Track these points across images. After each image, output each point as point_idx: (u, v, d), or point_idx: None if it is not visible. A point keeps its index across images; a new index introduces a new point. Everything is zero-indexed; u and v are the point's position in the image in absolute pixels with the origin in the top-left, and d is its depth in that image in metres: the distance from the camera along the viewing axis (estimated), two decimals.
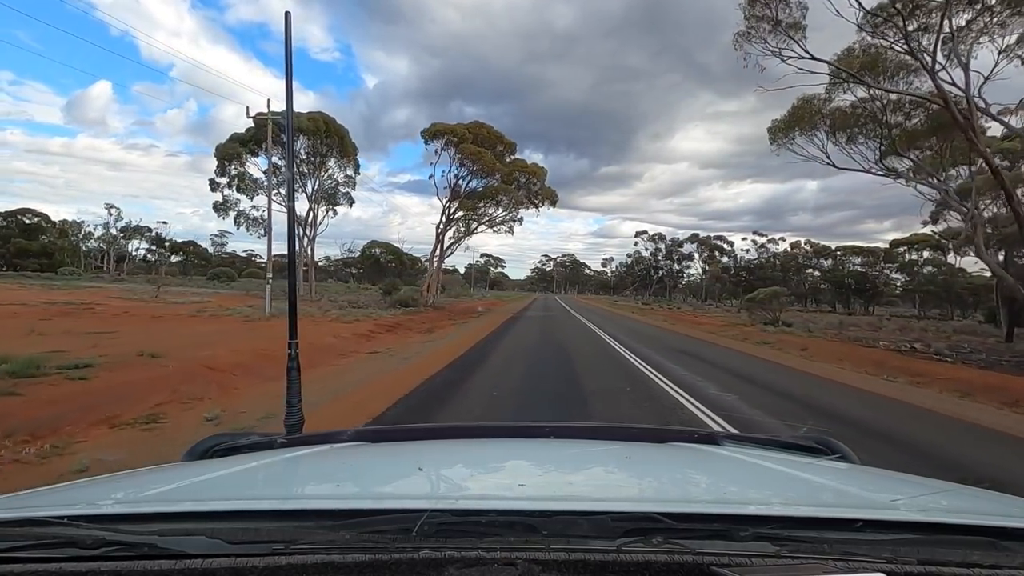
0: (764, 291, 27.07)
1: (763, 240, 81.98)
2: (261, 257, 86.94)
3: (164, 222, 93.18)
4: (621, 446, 1.44)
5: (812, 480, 1.15)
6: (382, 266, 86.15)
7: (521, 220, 34.74)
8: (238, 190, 38.23)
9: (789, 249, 78.88)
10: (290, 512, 0.80)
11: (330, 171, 41.11)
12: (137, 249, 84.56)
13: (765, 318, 26.45)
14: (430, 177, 32.06)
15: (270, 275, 19.98)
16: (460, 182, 32.59)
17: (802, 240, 78.67)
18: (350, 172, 43.17)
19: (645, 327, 25.62)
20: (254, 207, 38.49)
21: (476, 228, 34.33)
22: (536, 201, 31.90)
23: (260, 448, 1.34)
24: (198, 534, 0.67)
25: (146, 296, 29.46)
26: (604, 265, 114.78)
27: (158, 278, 33.36)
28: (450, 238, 33.95)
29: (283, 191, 42.19)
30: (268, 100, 21.21)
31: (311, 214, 40.22)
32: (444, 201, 32.71)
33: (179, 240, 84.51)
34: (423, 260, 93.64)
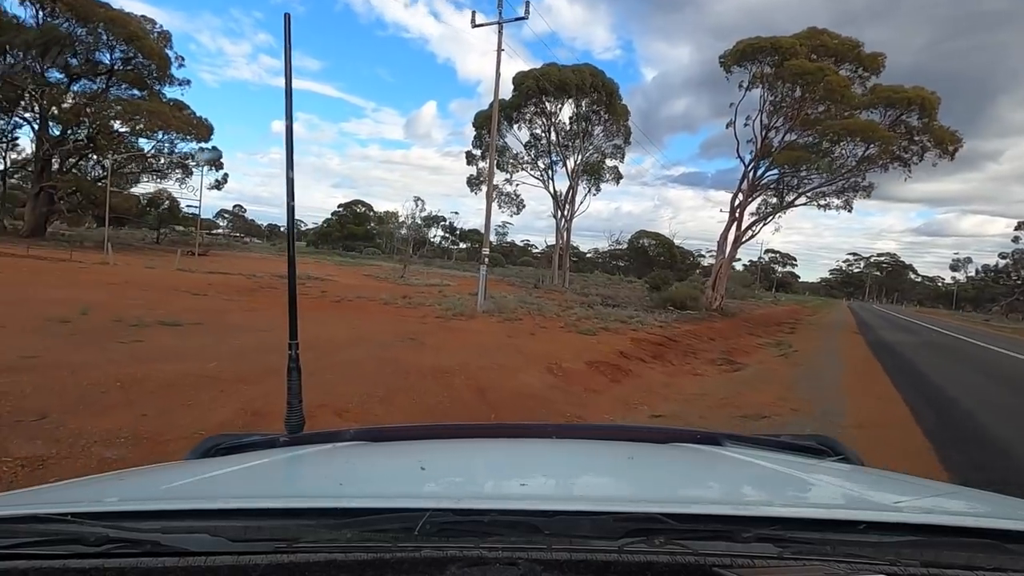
0: None
1: None
2: (536, 247, 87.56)
3: (456, 212, 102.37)
4: (623, 446, 1.45)
5: (815, 481, 1.11)
6: (650, 258, 78.43)
7: (869, 187, 22.29)
8: (497, 166, 34.73)
9: None
10: (292, 511, 0.78)
11: (595, 140, 34.69)
12: (434, 236, 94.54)
13: None
14: (728, 125, 22.47)
15: (486, 251, 13.79)
16: (771, 133, 22.11)
17: None
18: (619, 142, 36.06)
19: None
20: (508, 181, 34.39)
21: (794, 200, 23.29)
22: (911, 148, 19.26)
23: (263, 447, 1.32)
24: (201, 532, 0.67)
25: (393, 275, 27.44)
26: (955, 268, 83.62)
27: (405, 259, 31.58)
28: (752, 215, 23.67)
29: (540, 164, 37.64)
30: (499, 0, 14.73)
31: (570, 191, 34.44)
32: (747, 162, 22.68)
33: (467, 229, 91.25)
34: (695, 255, 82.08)
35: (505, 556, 0.62)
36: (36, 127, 26.58)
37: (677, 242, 71.36)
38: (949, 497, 1.05)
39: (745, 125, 22.60)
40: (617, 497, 1.01)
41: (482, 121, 32.25)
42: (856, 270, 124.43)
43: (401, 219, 44.33)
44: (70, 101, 26.00)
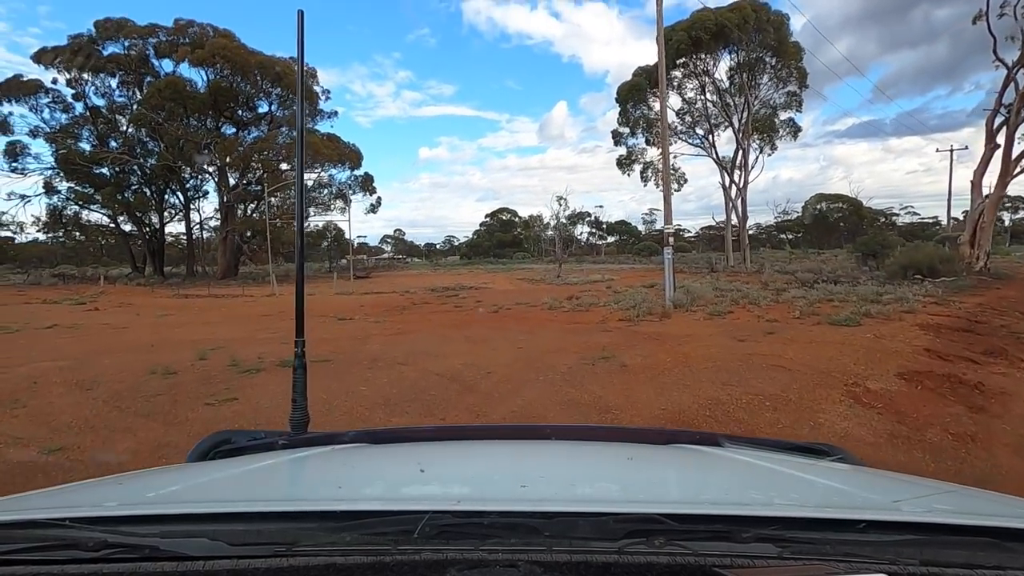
0: None
1: None
2: (689, 231, 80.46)
3: (600, 206, 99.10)
4: (622, 447, 1.43)
5: (814, 481, 1.11)
6: (830, 225, 67.63)
7: None
8: (646, 141, 30.94)
9: None
10: (292, 514, 0.77)
11: (761, 92, 29.23)
12: (580, 233, 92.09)
13: None
14: (975, 19, 16.37)
15: (671, 228, 10.63)
16: None
17: None
18: (793, 87, 30.08)
19: None
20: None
21: None
22: None
23: (262, 449, 1.31)
24: (200, 536, 0.67)
25: (548, 276, 25.25)
26: None
27: (560, 258, 29.23)
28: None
29: (699, 131, 32.79)
30: None
31: (738, 154, 29.34)
32: (1010, 65, 16.45)
33: (613, 222, 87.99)
34: (887, 215, 67.64)
35: (505, 558, 0.62)
36: (216, 178, 29.33)
37: (865, 202, 60.02)
38: (948, 496, 1.03)
39: (1000, 16, 16.41)
40: (617, 498, 0.99)
41: (627, 93, 28.85)
42: None
43: (546, 220, 42.46)
44: (240, 150, 28.17)
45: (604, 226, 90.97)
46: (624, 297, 12.29)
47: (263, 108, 29.85)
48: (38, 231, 31.65)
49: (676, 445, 1.40)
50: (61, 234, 32.04)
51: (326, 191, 32.58)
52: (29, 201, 28.94)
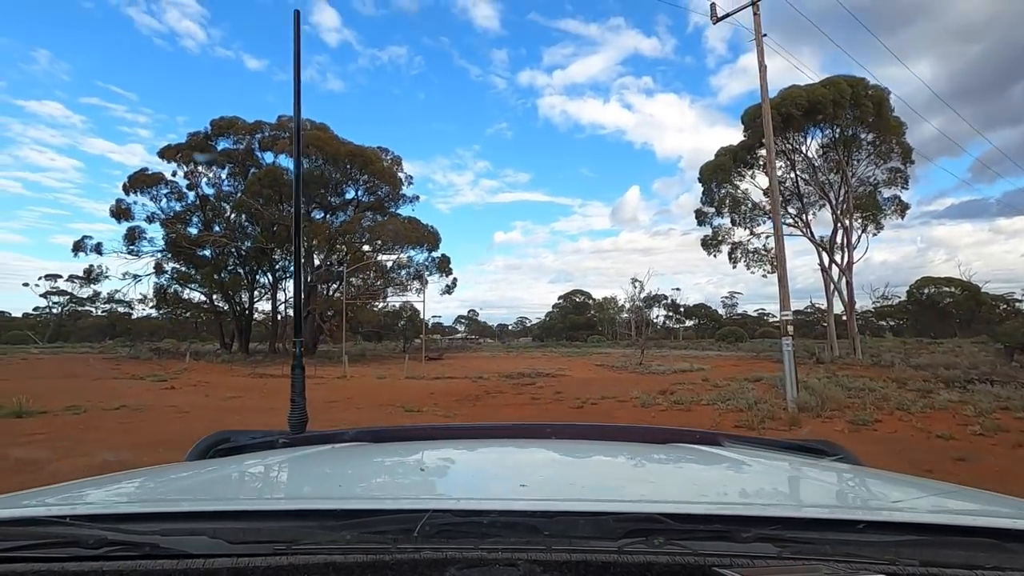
0: None
1: None
2: (774, 316, 75.67)
3: (677, 288, 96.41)
4: (622, 446, 1.43)
5: (814, 481, 1.12)
6: (941, 311, 61.04)
7: None
8: (732, 222, 29.35)
9: None
10: (292, 512, 0.78)
11: (857, 168, 27.29)
12: (657, 316, 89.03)
13: None
14: None
15: (789, 316, 8.99)
16: None
17: None
18: (897, 163, 27.89)
19: None
20: (753, 235, 28.52)
21: None
22: None
23: (262, 448, 1.32)
24: (200, 534, 0.67)
25: (629, 363, 23.43)
26: None
27: (643, 343, 27.37)
28: None
29: (791, 210, 30.78)
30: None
31: (837, 233, 27.00)
32: None
33: (691, 305, 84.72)
34: (1009, 301, 59.70)
35: (505, 557, 0.62)
36: (303, 259, 30.63)
37: (979, 285, 53.89)
38: (948, 496, 1.03)
39: None
40: (616, 497, 0.99)
41: (710, 173, 27.84)
42: None
43: (620, 302, 40.76)
44: (327, 233, 29.46)
45: (682, 309, 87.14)
46: (729, 393, 10.52)
47: (350, 194, 31.46)
48: (151, 308, 34.04)
49: (676, 444, 1.40)
50: (167, 310, 34.37)
51: (404, 272, 33.18)
52: (140, 280, 31.38)
